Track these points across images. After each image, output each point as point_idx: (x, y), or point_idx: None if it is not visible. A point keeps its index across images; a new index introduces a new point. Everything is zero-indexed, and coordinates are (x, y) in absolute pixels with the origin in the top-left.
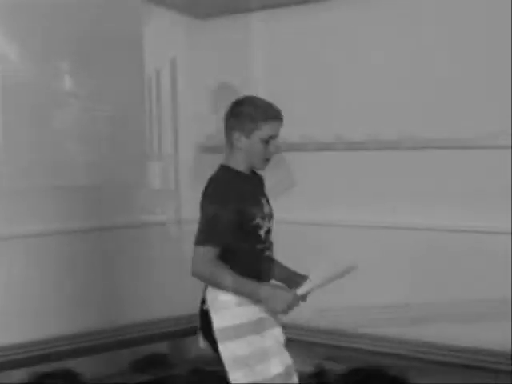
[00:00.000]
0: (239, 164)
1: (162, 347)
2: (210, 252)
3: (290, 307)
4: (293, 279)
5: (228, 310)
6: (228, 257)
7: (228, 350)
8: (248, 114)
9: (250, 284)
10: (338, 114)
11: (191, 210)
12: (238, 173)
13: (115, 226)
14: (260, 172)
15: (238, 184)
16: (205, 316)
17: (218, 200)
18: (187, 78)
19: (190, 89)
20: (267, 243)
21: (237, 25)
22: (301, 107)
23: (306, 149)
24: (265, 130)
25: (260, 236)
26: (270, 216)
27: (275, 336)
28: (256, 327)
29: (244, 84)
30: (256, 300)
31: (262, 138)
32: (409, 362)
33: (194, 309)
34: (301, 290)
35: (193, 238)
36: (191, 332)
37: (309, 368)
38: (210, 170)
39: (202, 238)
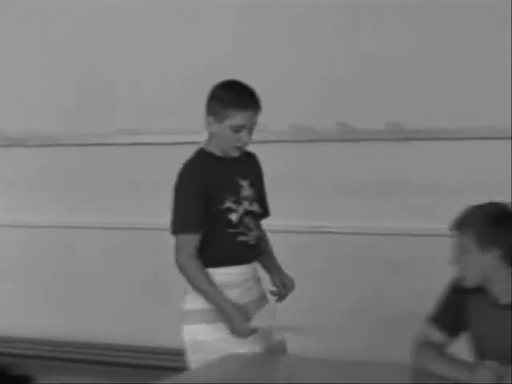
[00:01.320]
0: (213, 147)
1: None
2: (192, 241)
3: (245, 336)
4: (273, 271)
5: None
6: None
7: (190, 333)
8: (221, 99)
9: (223, 303)
10: None
11: None
12: (209, 155)
13: None
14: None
15: (208, 166)
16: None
17: (184, 184)
18: None
19: None
20: (242, 228)
21: None
22: None
23: None
24: (236, 118)
25: (231, 220)
26: (253, 199)
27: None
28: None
29: None
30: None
31: (233, 126)
32: (38, 360)
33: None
34: (254, 324)
35: None
36: None
37: None
38: None
39: (181, 226)
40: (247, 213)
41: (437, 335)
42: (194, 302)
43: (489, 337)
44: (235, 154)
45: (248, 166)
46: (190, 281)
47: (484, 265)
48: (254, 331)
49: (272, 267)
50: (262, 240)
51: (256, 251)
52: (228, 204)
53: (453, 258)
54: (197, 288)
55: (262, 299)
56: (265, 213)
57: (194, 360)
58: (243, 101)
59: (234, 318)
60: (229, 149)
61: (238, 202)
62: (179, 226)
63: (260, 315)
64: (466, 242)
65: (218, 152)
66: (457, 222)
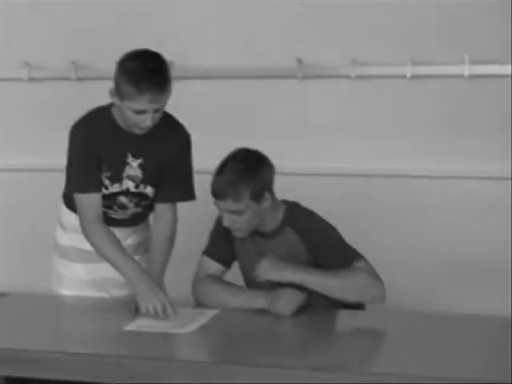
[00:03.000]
0: (117, 114)
1: None
2: (90, 202)
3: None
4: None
5: (73, 232)
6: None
7: (54, 261)
8: (123, 75)
9: (131, 277)
10: None
11: None
12: (109, 119)
13: None
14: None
15: (101, 130)
16: None
17: (76, 143)
18: None
19: None
20: (115, 205)
21: None
22: None
23: None
24: (134, 102)
25: (104, 194)
26: (142, 181)
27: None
28: (88, 258)
29: None
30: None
31: (132, 109)
32: None
33: None
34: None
35: None
36: None
37: None
38: None
39: (75, 185)
40: (128, 193)
41: (214, 266)
42: (62, 237)
43: (253, 266)
44: (137, 132)
45: (152, 145)
46: (97, 251)
47: (260, 212)
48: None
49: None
50: (157, 238)
51: (131, 225)
52: (103, 176)
53: (227, 222)
54: (104, 258)
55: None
56: (185, 197)
57: (54, 283)
58: (144, 85)
59: (139, 293)
60: (131, 127)
61: (115, 179)
62: (74, 185)
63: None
64: (238, 206)
65: (119, 120)
66: (220, 191)
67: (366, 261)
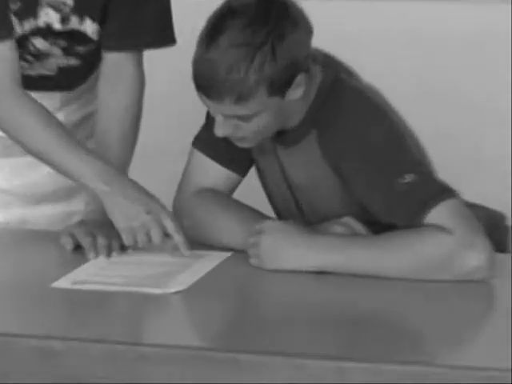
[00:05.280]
0: None
1: None
2: None
3: None
4: None
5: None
6: None
7: None
8: None
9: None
10: None
11: None
12: None
13: None
14: None
15: None
16: None
17: None
18: None
19: None
20: (29, 56)
21: None
22: None
23: None
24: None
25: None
26: (64, 9)
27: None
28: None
29: None
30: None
31: None
32: None
33: None
34: None
35: None
36: None
37: None
38: None
39: None
40: (49, 31)
41: (216, 171)
42: None
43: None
44: None
45: None
46: (17, 139)
47: (284, 108)
48: None
49: None
50: (110, 114)
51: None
52: (11, 8)
53: (223, 131)
54: (32, 150)
55: None
56: (157, 39)
57: None
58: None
59: (115, 206)
60: None
61: (27, 10)
62: None
63: None
64: (245, 109)
65: None
66: (211, 86)
67: (459, 203)
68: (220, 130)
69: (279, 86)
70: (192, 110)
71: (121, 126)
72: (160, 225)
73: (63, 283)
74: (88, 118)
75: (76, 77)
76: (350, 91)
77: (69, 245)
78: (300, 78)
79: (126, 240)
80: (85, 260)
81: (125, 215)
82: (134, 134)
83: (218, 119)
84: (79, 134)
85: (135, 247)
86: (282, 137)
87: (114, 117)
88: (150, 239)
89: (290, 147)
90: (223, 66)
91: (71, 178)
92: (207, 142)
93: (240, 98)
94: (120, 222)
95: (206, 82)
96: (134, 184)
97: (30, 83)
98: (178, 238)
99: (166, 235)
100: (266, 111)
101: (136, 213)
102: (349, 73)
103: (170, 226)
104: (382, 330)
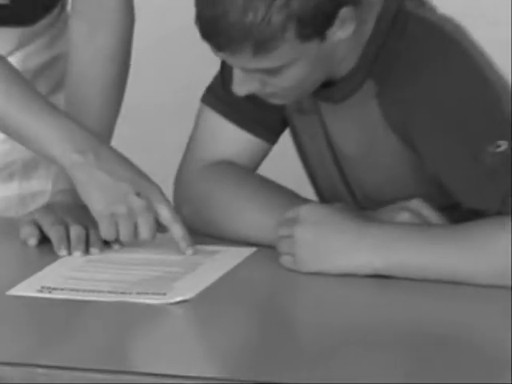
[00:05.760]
0: None
1: None
2: None
3: None
4: None
5: None
6: None
7: None
8: None
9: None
10: None
11: None
12: None
13: None
14: None
15: None
16: None
17: None
18: None
19: None
20: None
21: None
22: None
23: None
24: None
25: None
26: None
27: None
28: None
29: None
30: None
31: None
32: None
33: None
34: None
35: None
36: None
37: None
38: None
39: None
40: None
41: (234, 137)
42: None
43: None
44: None
45: None
46: None
47: (326, 56)
48: None
49: None
50: (86, 59)
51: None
52: None
53: (246, 89)
54: None
55: None
56: None
57: None
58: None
59: (88, 185)
60: None
61: None
62: None
63: None
64: (268, 61)
65: None
66: (221, 34)
67: None
68: (240, 88)
69: (315, 26)
70: (198, 52)
71: (101, 78)
72: (152, 212)
73: (24, 290)
74: (52, 65)
75: (36, 5)
76: (422, 27)
77: (31, 238)
78: (345, 12)
79: (106, 231)
80: (53, 258)
81: (105, 196)
82: (120, 88)
83: (237, 74)
84: (39, 86)
85: (119, 241)
86: (327, 91)
87: (91, 66)
88: (137, 232)
89: (338, 105)
90: (236, 4)
91: (32, 148)
92: (222, 95)
93: (261, 47)
94: (97, 205)
95: (213, 29)
96: (119, 156)
97: None
98: (176, 231)
99: (160, 226)
100: (299, 60)
101: (120, 194)
102: (419, 2)
103: (165, 213)
104: (462, 353)
